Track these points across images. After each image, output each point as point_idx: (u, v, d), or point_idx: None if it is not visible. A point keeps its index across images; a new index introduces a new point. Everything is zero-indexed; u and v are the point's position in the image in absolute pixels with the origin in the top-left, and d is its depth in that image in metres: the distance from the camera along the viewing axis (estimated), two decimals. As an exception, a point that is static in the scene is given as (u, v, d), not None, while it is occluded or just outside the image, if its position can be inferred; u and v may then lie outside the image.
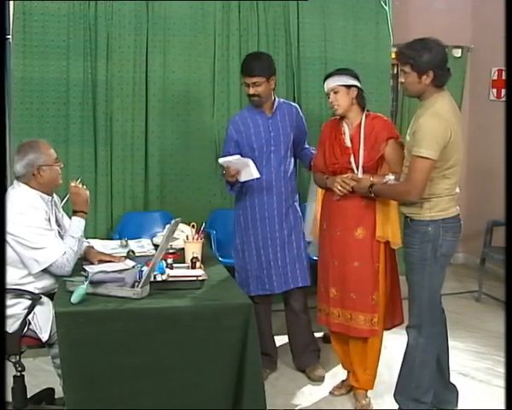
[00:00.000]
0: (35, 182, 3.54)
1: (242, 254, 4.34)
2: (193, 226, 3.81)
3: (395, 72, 6.80)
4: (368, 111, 3.93)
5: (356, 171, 3.80)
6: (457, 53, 7.06)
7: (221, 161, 4.14)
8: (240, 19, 5.62)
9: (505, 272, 3.25)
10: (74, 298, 2.98)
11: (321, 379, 4.35)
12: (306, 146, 4.51)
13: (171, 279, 3.28)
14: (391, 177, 3.66)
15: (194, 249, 3.63)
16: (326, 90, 3.89)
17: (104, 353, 2.92)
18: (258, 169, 4.08)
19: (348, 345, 4.04)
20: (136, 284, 3.14)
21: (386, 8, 6.06)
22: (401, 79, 3.56)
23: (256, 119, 4.28)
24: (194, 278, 3.31)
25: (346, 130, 3.89)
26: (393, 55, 6.39)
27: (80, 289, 3.01)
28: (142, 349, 2.94)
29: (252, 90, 4.19)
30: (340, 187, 3.77)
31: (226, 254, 4.92)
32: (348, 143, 3.85)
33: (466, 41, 7.10)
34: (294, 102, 5.74)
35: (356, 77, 3.90)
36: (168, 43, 5.47)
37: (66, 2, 5.22)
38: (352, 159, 3.82)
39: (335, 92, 3.83)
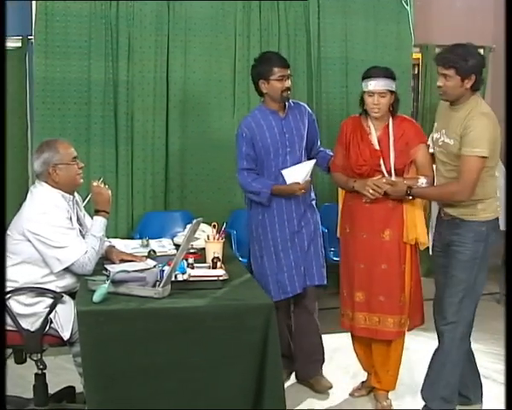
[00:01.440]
0: (52, 180, 3.55)
1: (261, 259, 4.19)
2: (214, 226, 3.81)
3: (416, 72, 6.77)
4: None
5: (386, 174, 3.76)
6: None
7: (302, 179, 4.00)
8: (260, 19, 5.62)
9: (505, 272, 3.27)
10: (96, 297, 2.99)
11: (328, 390, 4.23)
12: (321, 148, 4.40)
13: (192, 279, 3.28)
14: (423, 180, 3.70)
15: (215, 249, 3.63)
16: (371, 88, 3.73)
17: (125, 352, 2.92)
18: (273, 172, 4.09)
19: (370, 347, 4.02)
20: (158, 283, 3.14)
21: (408, 7, 6.03)
22: (440, 83, 3.55)
23: (269, 120, 4.14)
24: (216, 278, 3.30)
25: (373, 130, 3.82)
26: (415, 56, 6.42)
27: (102, 289, 3.02)
28: (164, 349, 2.94)
29: (287, 83, 4.06)
30: (371, 191, 3.71)
31: (246, 255, 4.90)
32: (376, 145, 3.79)
33: (488, 41, 7.04)
34: (315, 102, 5.77)
35: (395, 79, 3.84)
36: (189, 44, 5.48)
37: (87, 2, 5.25)
38: (382, 162, 3.76)
39: (382, 96, 3.73)
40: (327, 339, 4.45)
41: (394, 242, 3.80)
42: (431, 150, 3.79)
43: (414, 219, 3.81)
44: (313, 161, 4.05)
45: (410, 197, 3.70)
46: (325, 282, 4.24)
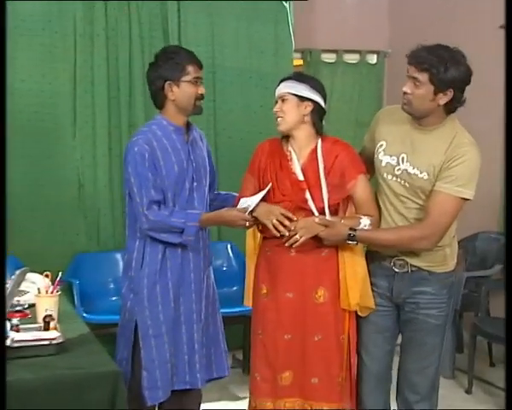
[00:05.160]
0: None
1: (158, 339, 3.68)
2: (46, 276, 3.71)
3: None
4: (323, 133, 3.64)
5: (316, 213, 3.49)
6: (372, 59, 7.25)
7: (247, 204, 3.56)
8: (106, 16, 5.60)
9: (505, 273, 3.25)
10: None
11: None
12: (222, 191, 4.11)
13: (17, 345, 3.12)
14: (367, 221, 3.48)
15: (47, 305, 3.48)
16: (276, 95, 3.60)
17: None
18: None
19: None
20: (-30, 352, 2.99)
21: (287, 5, 6.15)
22: (406, 89, 3.32)
23: (173, 140, 3.69)
24: (48, 342, 3.16)
25: (294, 156, 3.57)
26: (296, 62, 6.54)
27: None
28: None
29: (202, 89, 3.70)
30: (275, 221, 3.41)
31: (93, 309, 4.84)
32: (300, 175, 3.54)
33: (382, 45, 7.26)
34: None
35: (318, 90, 3.59)
36: (15, 45, 5.35)
37: None
38: (309, 196, 3.51)
39: (283, 100, 3.53)
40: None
41: (329, 304, 3.53)
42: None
43: (355, 274, 3.56)
44: (267, 188, 3.55)
45: (353, 243, 3.43)
46: (227, 373, 3.97)
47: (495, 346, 5.60)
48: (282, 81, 3.60)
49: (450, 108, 3.34)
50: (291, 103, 3.52)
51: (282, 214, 3.43)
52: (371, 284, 3.62)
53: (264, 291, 3.62)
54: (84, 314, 4.74)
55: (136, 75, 5.64)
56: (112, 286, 5.43)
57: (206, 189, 3.82)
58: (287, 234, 3.42)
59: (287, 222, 3.42)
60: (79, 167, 5.53)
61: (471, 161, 3.28)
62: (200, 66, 3.71)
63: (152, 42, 5.76)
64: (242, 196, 3.62)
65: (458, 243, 5.61)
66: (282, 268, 3.55)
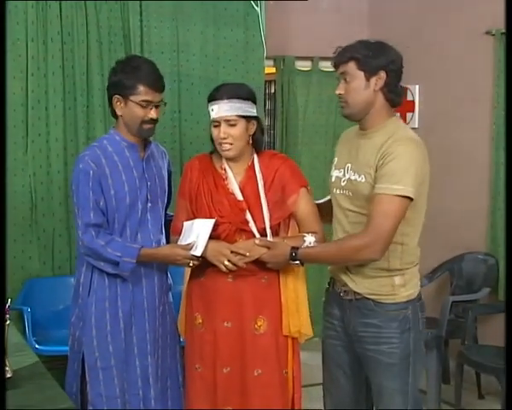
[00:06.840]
0: None
1: (105, 372, 3.67)
2: (-6, 303, 3.62)
3: (272, 91, 6.85)
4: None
5: (257, 234, 3.47)
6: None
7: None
8: (61, 19, 5.52)
9: (506, 271, 3.18)
10: None
11: None
12: (170, 213, 4.06)
13: (-42, 380, 3.08)
14: (311, 238, 3.46)
15: (-6, 335, 3.43)
16: (214, 115, 3.49)
17: None
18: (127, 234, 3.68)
19: None
20: None
21: (258, 9, 6.11)
22: (339, 91, 3.33)
23: (125, 156, 3.68)
24: (-6, 377, 3.11)
25: (230, 174, 3.55)
26: (268, 70, 6.50)
27: None
28: None
29: (153, 113, 3.63)
30: (227, 263, 3.41)
31: (46, 340, 4.80)
32: (239, 195, 3.52)
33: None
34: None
35: (256, 101, 3.58)
36: (-41, 51, 5.29)
37: None
38: (249, 217, 3.49)
39: (231, 125, 3.46)
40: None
41: (269, 335, 3.53)
42: (327, 197, 3.61)
43: (297, 299, 3.57)
44: (213, 220, 3.50)
45: (297, 262, 3.40)
46: None
47: (483, 376, 5.55)
48: (218, 98, 3.49)
49: (389, 97, 3.33)
50: (241, 127, 3.50)
51: (234, 252, 3.42)
52: (327, 313, 3.56)
53: (200, 321, 3.61)
54: (36, 345, 4.67)
55: (94, 84, 5.58)
56: (67, 314, 5.34)
57: (162, 210, 3.81)
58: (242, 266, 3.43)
59: (240, 263, 3.41)
60: (32, 184, 5.45)
61: (404, 156, 3.18)
62: (158, 89, 3.67)
63: (112, 48, 5.71)
64: (176, 225, 3.63)
65: (443, 264, 5.65)
66: (219, 295, 3.54)
